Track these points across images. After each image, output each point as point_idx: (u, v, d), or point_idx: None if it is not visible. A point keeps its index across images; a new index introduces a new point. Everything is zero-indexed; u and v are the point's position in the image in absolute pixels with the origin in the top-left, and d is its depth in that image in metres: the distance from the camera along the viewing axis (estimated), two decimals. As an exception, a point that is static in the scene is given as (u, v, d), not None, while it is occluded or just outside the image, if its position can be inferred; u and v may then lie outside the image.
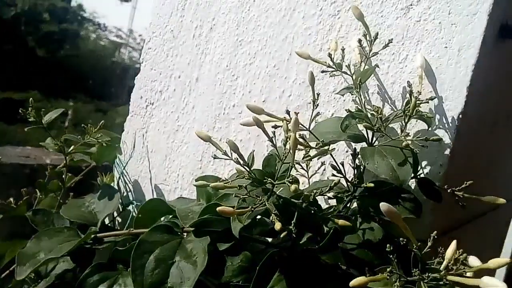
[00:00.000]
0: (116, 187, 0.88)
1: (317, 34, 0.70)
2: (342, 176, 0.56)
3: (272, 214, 0.48)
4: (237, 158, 0.52)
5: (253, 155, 0.53)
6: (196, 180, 0.69)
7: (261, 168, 0.59)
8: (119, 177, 0.88)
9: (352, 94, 0.60)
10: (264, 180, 0.51)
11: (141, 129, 0.90)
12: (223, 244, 0.65)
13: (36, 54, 7.04)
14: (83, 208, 0.82)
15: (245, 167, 0.52)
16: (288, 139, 0.52)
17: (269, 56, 0.74)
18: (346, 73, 0.61)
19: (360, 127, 0.58)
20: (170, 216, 0.74)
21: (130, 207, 0.87)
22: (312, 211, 0.52)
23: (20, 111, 0.82)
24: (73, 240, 0.72)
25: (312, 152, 0.55)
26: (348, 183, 0.57)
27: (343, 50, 0.63)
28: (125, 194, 0.89)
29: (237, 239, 0.63)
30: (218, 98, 0.79)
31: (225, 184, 0.51)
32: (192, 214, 0.68)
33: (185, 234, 0.64)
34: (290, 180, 0.49)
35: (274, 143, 0.52)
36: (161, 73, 0.88)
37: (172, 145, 0.85)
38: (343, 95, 0.64)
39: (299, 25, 0.71)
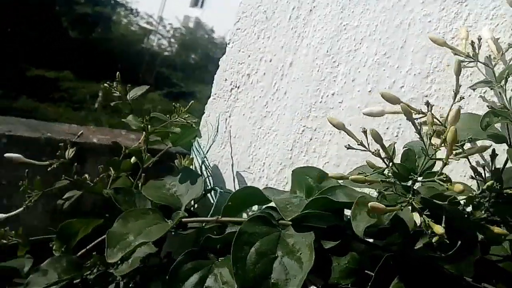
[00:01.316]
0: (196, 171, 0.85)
1: (438, 22, 0.64)
2: (481, 179, 0.51)
3: (424, 216, 0.44)
4: (378, 150, 0.47)
5: (394, 147, 0.49)
6: (294, 171, 0.64)
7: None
8: (202, 161, 0.84)
9: (491, 89, 0.55)
10: (410, 176, 0.47)
11: (224, 113, 0.86)
12: (329, 242, 0.60)
13: (68, 35, 7.09)
14: (163, 190, 0.78)
15: (387, 160, 0.47)
16: (433, 133, 0.47)
17: (378, 43, 0.69)
18: (487, 65, 0.56)
19: (498, 126, 0.53)
20: (263, 207, 0.71)
21: (209, 194, 0.83)
22: (466, 215, 0.47)
23: (105, 84, 0.78)
24: (159, 224, 0.69)
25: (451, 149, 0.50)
26: (484, 188, 0.52)
27: (479, 39, 0.57)
28: (203, 179, 0.86)
29: (344, 238, 0.59)
30: (315, 85, 0.75)
31: (366, 178, 0.46)
32: (291, 207, 0.64)
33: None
34: (444, 178, 0.44)
35: (421, 136, 0.47)
36: (249, 55, 0.84)
37: (259, 132, 0.81)
38: (474, 90, 0.59)
39: (417, 11, 0.66)
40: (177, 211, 0.72)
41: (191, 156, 0.88)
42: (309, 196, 0.66)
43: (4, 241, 0.74)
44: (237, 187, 0.82)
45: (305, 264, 0.55)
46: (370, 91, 0.69)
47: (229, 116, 0.85)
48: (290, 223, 0.62)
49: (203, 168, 0.85)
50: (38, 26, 6.68)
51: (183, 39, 10.16)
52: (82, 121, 4.61)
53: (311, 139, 0.75)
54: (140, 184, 0.86)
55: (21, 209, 0.75)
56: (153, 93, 6.20)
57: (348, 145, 0.51)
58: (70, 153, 0.73)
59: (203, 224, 0.74)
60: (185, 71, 8.41)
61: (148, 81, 8.24)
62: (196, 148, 0.87)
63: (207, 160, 0.86)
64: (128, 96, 0.81)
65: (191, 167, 0.86)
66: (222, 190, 0.80)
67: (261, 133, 0.80)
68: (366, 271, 0.61)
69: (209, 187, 0.83)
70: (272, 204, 0.60)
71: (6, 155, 0.74)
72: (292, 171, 0.68)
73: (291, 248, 0.58)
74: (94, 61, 7.59)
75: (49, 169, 0.72)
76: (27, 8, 6.42)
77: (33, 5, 6.62)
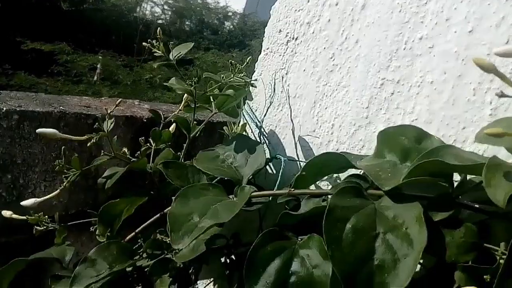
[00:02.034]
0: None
1: None
2: None
3: None
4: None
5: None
6: (383, 132, 0.53)
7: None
8: (260, 127, 0.73)
9: None
10: None
11: (280, 70, 0.74)
12: (438, 213, 0.51)
13: (60, 8, 6.81)
14: (218, 161, 0.68)
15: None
16: None
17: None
18: None
19: None
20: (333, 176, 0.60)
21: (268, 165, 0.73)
22: None
23: (147, 42, 0.67)
24: (224, 201, 0.59)
25: None
26: None
27: None
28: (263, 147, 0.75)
29: (455, 208, 0.49)
30: (397, 30, 0.63)
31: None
32: (384, 173, 0.54)
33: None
34: None
35: None
36: (309, 0, 0.71)
37: (324, 89, 0.70)
38: None
39: None
40: (242, 186, 0.62)
41: (242, 122, 0.76)
42: (405, 159, 0.56)
43: (40, 228, 0.64)
44: (300, 154, 0.71)
45: (416, 241, 0.46)
46: (470, 31, 0.57)
47: (286, 73, 0.74)
48: (383, 193, 0.53)
49: (260, 133, 0.74)
50: (29, 1, 6.42)
51: (177, 6, 9.85)
52: (82, 94, 4.46)
53: (392, 93, 0.64)
54: (182, 157, 0.75)
55: (57, 191, 0.65)
56: (151, 62, 6.01)
57: (501, 92, 0.39)
58: (109, 125, 0.62)
59: (269, 199, 0.64)
60: (181, 39, 8.17)
61: (143, 50, 8.03)
62: (248, 113, 0.76)
63: (261, 125, 0.75)
64: (171, 56, 0.69)
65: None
66: (285, 159, 0.69)
67: (328, 90, 0.69)
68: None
69: (269, 155, 0.72)
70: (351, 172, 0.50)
71: (39, 130, 0.64)
72: (380, 132, 0.58)
73: (392, 222, 0.49)
74: (88, 32, 7.35)
75: (88, 144, 0.61)
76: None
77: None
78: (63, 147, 0.67)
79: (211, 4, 10.16)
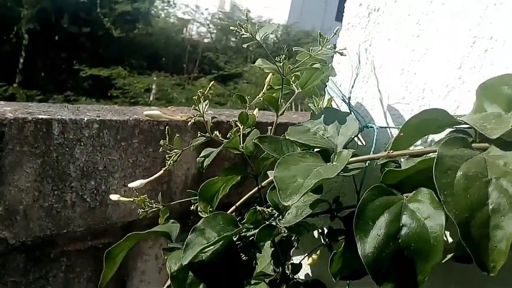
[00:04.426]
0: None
1: None
2: None
3: None
4: None
5: None
6: (483, 85, 0.52)
7: None
8: (349, 98, 0.73)
9: None
10: None
11: (363, 43, 0.75)
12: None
13: (112, 35, 7.15)
14: (309, 134, 0.69)
15: None
16: None
17: None
18: None
19: None
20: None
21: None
22: None
23: (236, 26, 0.69)
24: (324, 166, 0.59)
25: None
26: None
27: None
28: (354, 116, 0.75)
29: None
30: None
31: None
32: (488, 124, 0.53)
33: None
34: None
35: None
36: (388, -31, 0.72)
37: (412, 55, 0.69)
38: None
39: None
40: (339, 151, 0.62)
41: (330, 97, 0.77)
42: (510, 108, 0.54)
43: (145, 210, 0.67)
44: (391, 123, 0.71)
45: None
46: None
47: (370, 45, 0.74)
48: (488, 146, 0.52)
49: (349, 106, 0.74)
50: (83, 30, 6.79)
51: (221, 24, 10.08)
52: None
53: (486, 50, 0.62)
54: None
55: (160, 172, 0.68)
56: (201, 79, 6.16)
57: None
58: (204, 107, 0.64)
59: (366, 164, 0.64)
60: (228, 54, 8.33)
61: (192, 69, 8.25)
62: (332, 89, 0.77)
63: (345, 97, 0.76)
64: (258, 36, 0.71)
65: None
66: (377, 127, 0.69)
67: (415, 56, 0.69)
68: None
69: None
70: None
71: (146, 113, 0.67)
72: (480, 85, 0.56)
73: (504, 169, 0.48)
74: (139, 56, 7.66)
75: (189, 123, 0.64)
76: (72, 14, 6.52)
77: (77, 10, 6.72)
78: (166, 126, 0.69)
79: (255, 18, 10.33)
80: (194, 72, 7.98)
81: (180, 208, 1.09)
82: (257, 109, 0.84)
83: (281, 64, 0.69)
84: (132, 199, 0.70)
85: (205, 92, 0.74)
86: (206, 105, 0.69)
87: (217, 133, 0.76)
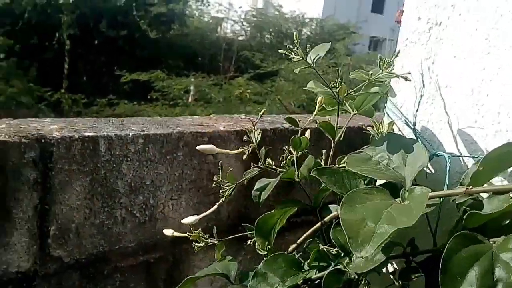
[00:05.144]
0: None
1: None
2: None
3: None
4: None
5: None
6: None
7: None
8: (413, 123, 0.68)
9: None
10: None
11: (425, 60, 0.69)
12: None
13: (148, 36, 7.25)
14: (371, 164, 0.64)
15: None
16: None
17: None
18: None
19: None
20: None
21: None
22: None
23: (287, 49, 0.66)
24: (394, 205, 0.55)
25: None
26: None
27: None
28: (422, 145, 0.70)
29: None
30: None
31: None
32: None
33: None
34: None
35: None
36: (451, -20, 0.66)
37: (483, 75, 0.64)
38: None
39: None
40: (411, 187, 0.57)
41: (386, 120, 0.72)
42: None
43: (200, 245, 0.64)
44: (462, 149, 0.66)
45: None
46: None
47: (433, 63, 0.69)
48: None
49: (414, 132, 0.69)
50: (120, 33, 6.91)
51: (255, 21, 10.06)
52: (178, 116, 4.65)
53: None
54: (323, 162, 0.73)
55: (214, 207, 0.65)
56: (238, 78, 6.15)
57: None
58: (257, 136, 0.61)
59: (441, 200, 0.59)
60: (263, 52, 8.30)
61: (228, 67, 8.27)
62: (391, 110, 0.72)
63: (408, 121, 0.70)
64: (309, 59, 0.67)
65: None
66: (449, 155, 0.64)
67: (486, 75, 0.63)
68: None
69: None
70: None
71: (199, 147, 0.64)
72: None
73: None
74: (176, 57, 7.74)
75: (244, 157, 0.61)
76: (110, 18, 6.64)
77: (114, 14, 6.84)
78: (220, 161, 0.67)
79: (288, 14, 10.24)
80: (230, 70, 8.00)
81: (228, 220, 1.08)
82: (308, 130, 0.80)
83: (337, 89, 0.65)
84: (186, 234, 0.68)
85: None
86: (258, 134, 0.65)
87: (270, 161, 0.72)
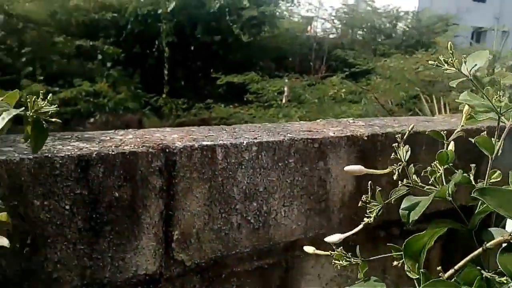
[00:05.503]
0: None
1: None
2: None
3: None
4: None
5: None
6: None
7: None
8: None
9: None
10: None
11: None
12: None
13: (241, 40, 7.42)
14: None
15: None
16: None
17: None
18: None
19: None
20: None
21: None
22: None
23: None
24: None
25: None
26: None
27: None
28: None
29: None
30: None
31: None
32: None
33: None
34: None
35: None
36: None
37: None
38: None
39: None
40: None
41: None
42: None
43: (342, 263, 0.63)
44: None
45: None
46: None
47: None
48: None
49: None
50: (214, 38, 7.15)
51: (346, 18, 9.86)
52: (273, 117, 4.70)
53: None
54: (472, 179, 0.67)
55: (360, 226, 0.63)
56: (331, 77, 6.05)
57: None
58: (405, 152, 0.57)
59: None
60: (355, 49, 8.11)
61: (320, 67, 8.18)
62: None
63: None
64: (464, 69, 0.61)
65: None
66: None
67: None
68: None
69: None
70: None
71: (347, 168, 0.63)
72: None
73: None
74: (267, 59, 7.83)
75: (395, 177, 0.57)
76: (205, 24, 6.90)
77: (208, 21, 7.10)
78: (369, 181, 0.64)
79: (381, 8, 9.90)
80: (322, 70, 7.92)
81: (340, 226, 1.05)
82: (452, 142, 0.75)
83: (502, 104, 0.59)
84: (329, 253, 0.67)
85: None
86: (407, 151, 0.62)
87: (417, 179, 0.68)
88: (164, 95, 5.71)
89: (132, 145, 0.78)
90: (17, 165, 0.65)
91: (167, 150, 0.80)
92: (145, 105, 5.22)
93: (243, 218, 0.91)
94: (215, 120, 4.67)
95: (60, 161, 0.69)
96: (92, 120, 4.80)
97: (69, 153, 0.70)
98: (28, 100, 0.57)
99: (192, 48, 7.10)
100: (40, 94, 0.60)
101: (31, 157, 0.63)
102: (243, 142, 0.89)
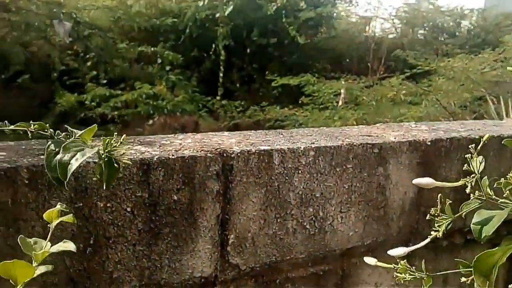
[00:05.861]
0: None
1: None
2: None
3: None
4: None
5: None
6: None
7: None
8: None
9: None
10: None
11: None
12: None
13: (297, 42, 7.38)
14: None
15: None
16: None
17: None
18: None
19: None
20: None
21: None
22: None
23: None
24: None
25: None
26: None
27: None
28: None
29: None
30: None
31: None
32: None
33: None
34: None
35: None
36: None
37: None
38: None
39: None
40: None
41: None
42: None
43: (405, 277, 0.60)
44: None
45: None
46: None
47: None
48: None
49: None
50: (272, 40, 7.18)
51: (407, 17, 9.57)
52: (328, 120, 4.65)
53: None
54: None
55: (427, 240, 0.60)
56: (390, 79, 5.90)
57: None
58: (478, 164, 0.53)
59: None
60: (415, 49, 7.85)
61: (378, 68, 8.00)
62: None
63: None
64: None
65: None
66: None
67: None
68: None
69: None
70: None
71: (416, 181, 0.60)
72: None
73: None
74: (324, 60, 7.75)
75: (468, 190, 0.54)
76: (261, 27, 6.94)
77: (265, 23, 7.14)
78: (439, 194, 0.61)
79: (444, 6, 9.52)
80: (380, 71, 7.73)
81: (399, 235, 1.02)
82: None
83: None
84: (391, 266, 0.64)
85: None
86: (480, 162, 0.58)
87: (490, 192, 0.63)
88: (218, 98, 5.80)
89: (191, 149, 0.80)
90: (83, 168, 0.68)
91: (224, 155, 0.80)
92: (201, 108, 5.32)
93: (299, 224, 0.90)
94: (270, 122, 4.68)
95: (123, 165, 0.71)
96: (150, 122, 4.96)
97: (132, 157, 0.72)
98: (102, 142, 0.60)
99: (248, 50, 7.16)
100: (114, 135, 0.62)
101: (96, 160, 0.65)
102: (300, 147, 0.88)
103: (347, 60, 8.43)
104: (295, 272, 0.93)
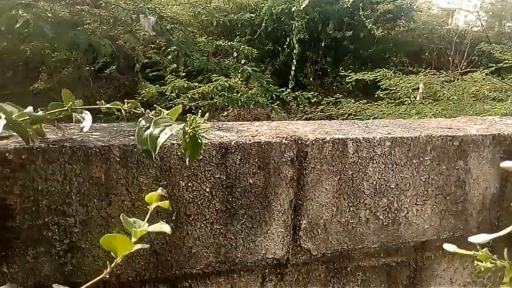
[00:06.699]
0: None
1: None
2: None
3: None
4: None
5: None
6: None
7: None
8: None
9: None
10: None
11: None
12: None
13: (373, 35, 7.19)
14: None
15: None
16: None
17: None
18: None
19: None
20: None
21: None
22: None
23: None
24: None
25: None
26: None
27: None
28: None
29: None
30: None
31: None
32: None
33: None
34: None
35: None
36: None
37: None
38: None
39: None
40: None
41: None
42: None
43: (486, 265, 0.58)
44: None
45: None
46: None
47: None
48: None
49: None
50: (347, 33, 7.05)
51: (494, 9, 8.97)
52: (405, 114, 4.50)
53: None
54: None
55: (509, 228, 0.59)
56: (473, 73, 5.58)
57: None
58: None
59: None
60: (502, 42, 7.35)
61: (461, 62, 7.59)
62: None
63: None
64: None
65: None
66: None
67: None
68: None
69: None
70: None
71: (504, 164, 0.59)
72: None
73: None
74: (402, 53, 7.49)
75: None
76: (337, 20, 6.85)
77: (341, 16, 7.03)
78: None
79: (537, -4, 8.80)
80: (462, 65, 7.34)
81: (478, 231, 0.99)
82: None
83: None
84: (472, 253, 0.63)
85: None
86: None
87: None
88: (288, 90, 5.81)
89: (267, 136, 0.83)
90: (168, 149, 0.73)
91: (299, 142, 0.82)
92: (274, 100, 5.36)
93: (372, 214, 0.90)
94: (343, 116, 4.61)
95: (204, 147, 0.75)
96: (225, 113, 5.08)
97: (211, 141, 0.77)
98: (188, 118, 0.64)
99: (323, 44, 7.08)
100: (198, 114, 0.66)
101: (180, 143, 0.70)
102: (376, 137, 0.88)
103: (427, 54, 8.07)
104: (367, 261, 0.94)
